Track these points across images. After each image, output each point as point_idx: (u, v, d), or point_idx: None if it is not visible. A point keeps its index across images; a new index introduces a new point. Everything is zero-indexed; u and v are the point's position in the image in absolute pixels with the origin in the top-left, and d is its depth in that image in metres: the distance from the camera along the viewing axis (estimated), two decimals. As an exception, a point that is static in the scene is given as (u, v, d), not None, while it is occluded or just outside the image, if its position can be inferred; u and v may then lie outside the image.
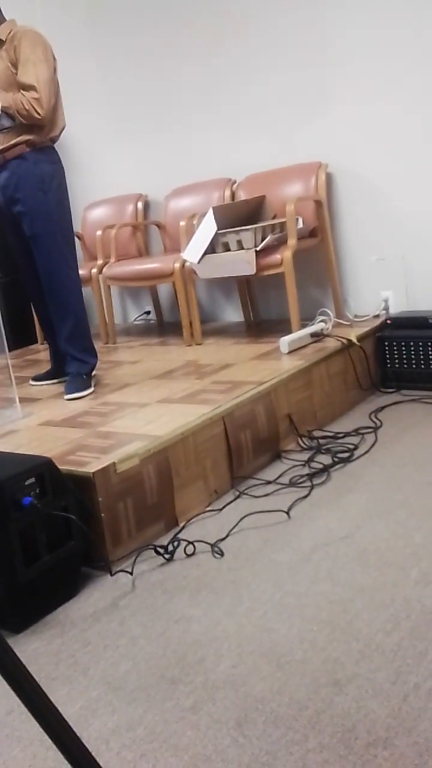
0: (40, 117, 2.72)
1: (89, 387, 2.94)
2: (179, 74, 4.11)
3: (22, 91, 2.71)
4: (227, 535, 2.10)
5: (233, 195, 3.96)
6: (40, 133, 2.82)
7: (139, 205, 4.41)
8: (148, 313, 4.64)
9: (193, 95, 4.09)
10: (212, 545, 2.04)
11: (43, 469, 1.86)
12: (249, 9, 3.75)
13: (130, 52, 4.27)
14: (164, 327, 4.39)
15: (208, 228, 3.41)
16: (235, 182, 4.00)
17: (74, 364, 2.97)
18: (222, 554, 1.99)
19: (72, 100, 4.55)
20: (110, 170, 4.60)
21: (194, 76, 4.05)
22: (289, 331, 3.28)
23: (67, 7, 4.44)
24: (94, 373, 3.06)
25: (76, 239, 4.58)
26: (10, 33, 2.77)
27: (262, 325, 3.96)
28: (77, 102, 4.55)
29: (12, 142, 2.79)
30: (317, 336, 3.23)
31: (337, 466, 2.49)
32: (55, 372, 3.22)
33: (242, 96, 3.90)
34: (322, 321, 3.35)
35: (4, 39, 2.77)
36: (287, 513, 2.18)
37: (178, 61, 4.09)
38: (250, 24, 3.77)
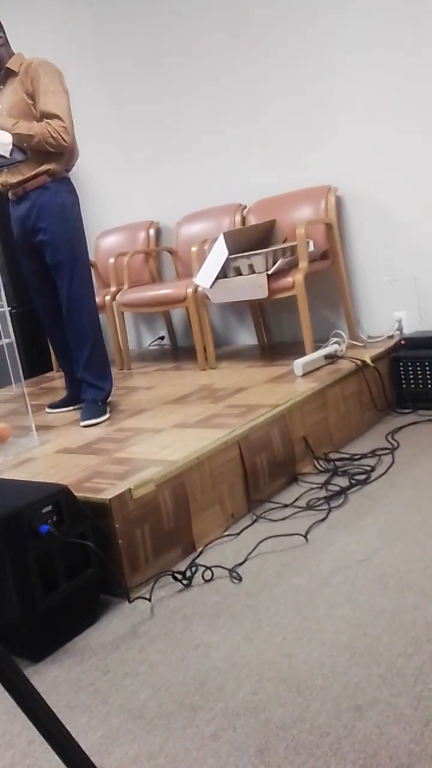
0: (66, 144, 2.79)
1: (105, 413, 2.96)
2: (188, 102, 4.18)
3: (46, 120, 2.77)
4: (245, 560, 2.09)
5: (244, 220, 4.00)
6: (59, 162, 2.89)
7: (151, 232, 4.46)
8: (162, 338, 4.67)
9: (201, 123, 4.15)
10: (230, 570, 2.03)
11: (59, 496, 1.87)
12: (255, 36, 3.81)
13: (139, 81, 4.35)
14: (178, 352, 4.41)
15: (219, 253, 3.44)
16: (245, 207, 4.04)
17: (90, 390, 2.99)
18: (240, 579, 1.99)
19: (83, 130, 4.64)
20: (121, 198, 4.66)
21: (202, 103, 4.12)
22: (302, 354, 3.28)
23: (76, 37, 4.54)
24: (109, 399, 3.08)
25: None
26: (21, 65, 2.84)
27: (275, 348, 3.97)
28: (88, 131, 4.63)
29: (33, 172, 2.85)
30: (331, 358, 3.23)
31: (355, 489, 2.48)
32: (71, 399, 3.25)
33: (250, 122, 3.96)
34: (335, 343, 3.35)
35: (16, 71, 2.84)
36: (305, 536, 2.17)
37: (186, 89, 4.16)
38: (256, 50, 3.83)
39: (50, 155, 2.83)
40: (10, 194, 2.96)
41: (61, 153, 2.86)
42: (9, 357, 2.82)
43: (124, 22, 4.30)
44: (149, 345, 4.76)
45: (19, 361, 2.95)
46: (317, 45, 3.62)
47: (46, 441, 2.79)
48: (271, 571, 2.01)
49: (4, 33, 2.88)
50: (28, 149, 2.74)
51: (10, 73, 2.86)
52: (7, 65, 2.85)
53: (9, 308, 2.96)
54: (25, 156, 2.68)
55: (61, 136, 2.78)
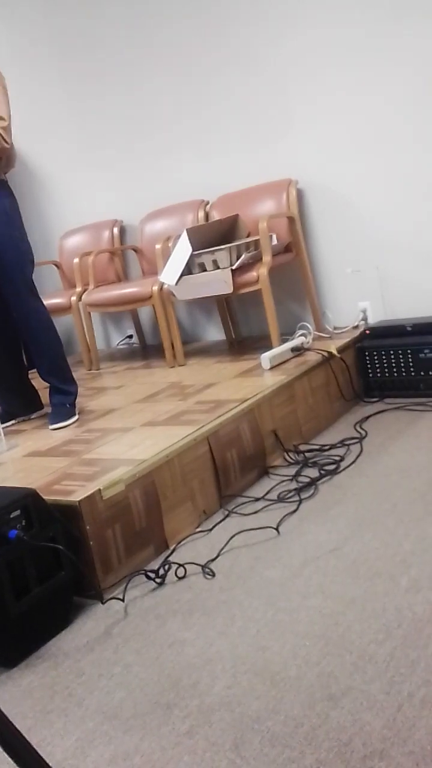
0: (8, 146, 2.73)
1: (74, 416, 2.94)
2: (147, 98, 4.16)
3: None
4: (218, 555, 2.10)
5: (207, 216, 4.00)
6: None
7: (115, 230, 4.44)
8: (130, 337, 4.66)
9: (161, 118, 4.14)
10: (203, 566, 2.04)
11: (27, 500, 1.85)
12: (211, 29, 3.81)
13: (96, 78, 4.32)
14: (147, 350, 4.40)
15: (183, 250, 3.44)
16: (208, 203, 4.03)
17: (57, 395, 2.96)
18: (213, 575, 1.99)
19: (42, 130, 4.61)
20: (84, 198, 4.63)
21: (161, 99, 4.10)
22: (269, 347, 3.30)
23: (31, 34, 4.49)
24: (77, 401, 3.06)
25: (54, 267, 4.62)
26: None
27: (243, 342, 3.98)
28: (48, 131, 4.60)
29: None
30: (298, 350, 3.25)
31: (325, 479, 2.50)
32: (7, 414, 3.12)
33: (210, 117, 3.95)
34: (302, 335, 3.37)
35: None
36: (276, 529, 2.18)
37: (145, 85, 4.14)
38: (211, 45, 3.82)
39: None
40: None
41: (0, 156, 2.79)
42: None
43: (80, 17, 4.27)
44: (118, 344, 4.74)
45: None
46: (272, 36, 3.63)
47: (14, 445, 2.77)
48: (243, 565, 2.01)
49: None
50: None
51: None
52: None
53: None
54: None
55: (2, 137, 2.71)
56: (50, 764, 0.94)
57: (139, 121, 4.23)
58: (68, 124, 4.54)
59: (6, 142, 2.71)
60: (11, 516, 1.80)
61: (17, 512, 1.82)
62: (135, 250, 4.32)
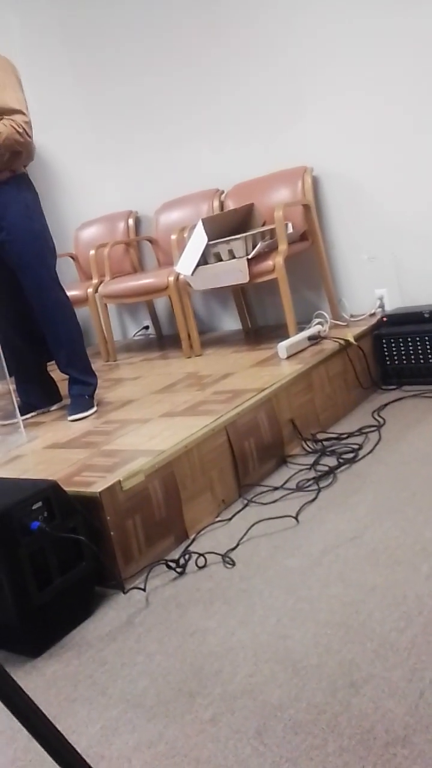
0: (30, 140, 2.74)
1: (92, 407, 2.96)
2: (160, 88, 4.15)
3: (6, 116, 2.70)
4: (237, 545, 2.11)
5: (222, 205, 3.99)
6: (19, 158, 2.82)
7: (130, 221, 4.44)
8: (146, 328, 4.67)
9: (174, 110, 4.12)
10: (223, 556, 2.05)
11: (49, 492, 1.87)
12: (222, 20, 3.78)
13: (109, 69, 4.31)
14: (164, 340, 4.41)
15: (199, 240, 3.43)
16: (222, 192, 4.02)
17: (76, 386, 2.98)
18: (233, 564, 2.00)
19: (56, 121, 4.61)
20: (99, 189, 4.64)
21: (174, 88, 4.09)
22: (286, 336, 3.29)
23: (43, 25, 4.49)
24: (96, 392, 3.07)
25: (70, 259, 4.63)
26: None
27: (260, 331, 3.97)
28: (61, 123, 4.60)
29: None
30: (315, 339, 3.24)
31: (343, 468, 2.50)
32: (27, 406, 3.13)
33: (223, 106, 3.93)
34: (318, 323, 3.36)
35: None
36: (296, 518, 2.19)
37: (157, 75, 4.13)
38: (223, 34, 3.80)
39: (10, 153, 2.76)
40: None
41: (20, 151, 2.79)
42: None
43: (92, 7, 4.26)
44: (134, 335, 4.76)
45: (3, 358, 2.92)
46: (282, 24, 3.60)
47: (34, 437, 2.79)
48: (263, 554, 2.02)
49: None
50: None
51: None
52: None
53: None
54: (-2, 151, 2.62)
55: (26, 131, 2.72)
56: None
57: (152, 111, 4.22)
58: (82, 116, 4.54)
59: (28, 136, 2.72)
60: (33, 508, 1.82)
61: (39, 504, 1.84)
62: (150, 240, 4.32)
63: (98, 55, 4.32)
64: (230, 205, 3.90)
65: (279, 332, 3.63)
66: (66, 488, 1.95)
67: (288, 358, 3.09)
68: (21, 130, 2.69)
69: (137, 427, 2.58)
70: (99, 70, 4.35)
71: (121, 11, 4.13)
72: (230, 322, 4.29)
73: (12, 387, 3.05)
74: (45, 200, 3.13)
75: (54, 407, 3.17)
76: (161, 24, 4.01)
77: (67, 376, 3.03)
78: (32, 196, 2.90)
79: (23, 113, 2.72)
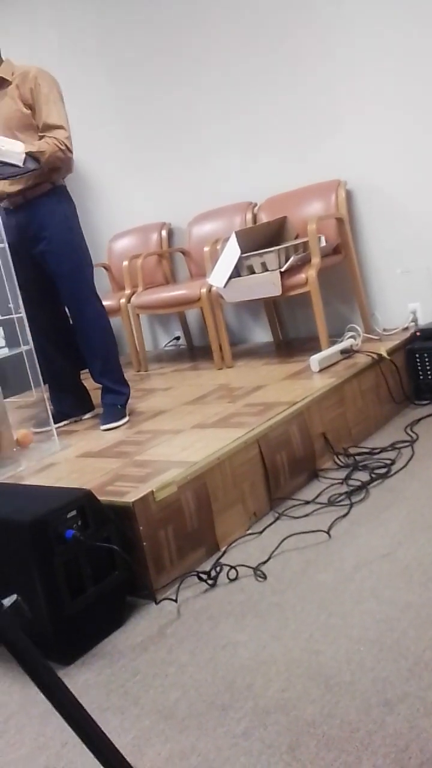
0: (72, 155, 2.79)
1: (124, 416, 2.98)
2: (194, 101, 4.18)
3: (49, 132, 2.75)
4: (269, 558, 2.10)
5: (255, 218, 4.01)
6: (59, 171, 2.87)
7: (163, 233, 4.48)
8: (177, 338, 4.69)
9: (208, 121, 4.16)
10: (254, 569, 2.04)
11: (83, 501, 1.89)
12: (259, 31, 3.81)
13: (145, 81, 4.36)
14: (195, 351, 4.43)
15: (232, 252, 3.45)
16: (256, 205, 4.04)
17: (109, 395, 3.01)
18: (265, 577, 2.00)
19: (92, 134, 4.67)
20: (133, 201, 4.68)
21: (208, 102, 4.12)
22: (318, 349, 3.29)
23: (81, 38, 4.56)
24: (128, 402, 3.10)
25: (103, 270, 4.68)
26: (13, 74, 2.80)
27: (291, 344, 3.97)
28: (96, 135, 4.66)
29: (36, 182, 2.84)
30: (347, 352, 3.23)
31: (375, 483, 2.49)
32: (60, 414, 3.14)
33: (257, 118, 3.95)
34: (351, 337, 3.35)
35: (9, 79, 2.80)
36: (328, 533, 2.18)
37: (192, 88, 4.17)
38: (261, 46, 3.83)
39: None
40: (5, 203, 2.88)
41: (62, 165, 2.84)
42: (28, 363, 2.84)
43: (129, 22, 4.32)
44: (165, 346, 4.78)
45: (37, 365, 2.94)
46: (317, 37, 3.61)
47: (67, 446, 2.82)
48: (295, 569, 2.02)
49: None
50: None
51: (2, 82, 2.81)
52: None
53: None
54: (39, 165, 2.67)
55: (67, 146, 2.78)
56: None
57: (186, 124, 4.26)
58: (117, 128, 4.60)
59: (69, 151, 2.77)
60: (68, 516, 1.84)
61: (73, 512, 1.86)
62: (183, 252, 4.35)
63: (134, 67, 4.38)
64: (263, 217, 3.92)
65: (310, 345, 3.63)
66: (99, 497, 1.97)
67: (320, 371, 3.09)
68: (63, 147, 2.74)
69: (169, 438, 2.59)
70: (135, 82, 4.41)
71: (157, 25, 4.18)
72: (261, 334, 4.30)
73: (46, 395, 3.08)
74: (79, 211, 3.17)
75: (87, 416, 3.20)
76: (197, 37, 4.05)
77: (99, 386, 3.06)
78: (71, 208, 2.95)
79: (64, 128, 2.77)
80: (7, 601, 0.88)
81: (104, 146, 4.66)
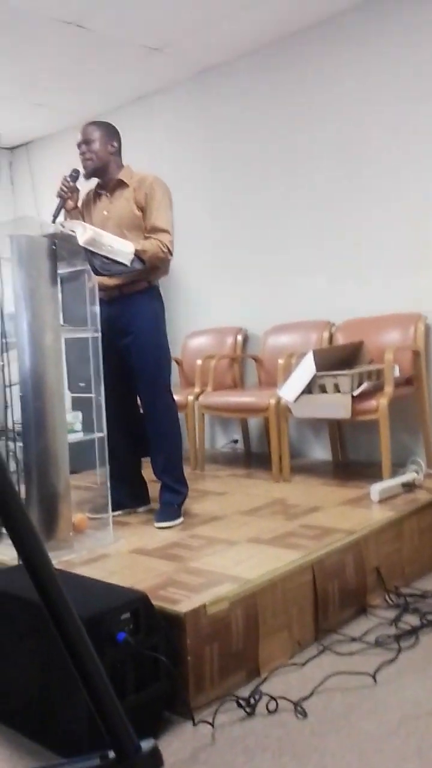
0: (171, 257, 2.95)
1: (179, 516, 2.99)
2: (285, 218, 4.37)
3: (154, 234, 2.93)
4: (311, 694, 2.04)
5: (331, 337, 4.09)
6: (156, 273, 3.03)
7: (239, 337, 4.60)
8: (235, 441, 4.73)
9: (297, 239, 4.32)
10: (296, 704, 1.98)
11: (138, 604, 1.89)
12: (352, 157, 4.00)
13: (241, 194, 4.59)
14: (251, 457, 4.45)
15: (307, 369, 3.52)
16: (333, 325, 4.14)
17: (168, 493, 3.04)
18: (305, 715, 1.94)
19: (184, 237, 4.89)
20: (214, 302, 4.84)
21: (300, 220, 4.30)
22: (378, 476, 3.28)
23: (189, 152, 4.85)
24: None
25: (175, 364, 4.80)
26: (132, 178, 3.02)
27: (350, 466, 3.96)
28: (189, 237, 4.87)
29: (134, 278, 2.98)
30: (408, 486, 3.21)
31: (426, 629, 2.42)
32: (118, 504, 3.09)
33: (348, 242, 4.10)
34: (414, 471, 3.34)
35: (128, 183, 3.01)
36: (374, 677, 2.12)
37: (285, 207, 4.37)
38: (353, 171, 4.01)
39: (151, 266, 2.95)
40: (102, 294, 2.98)
41: (160, 266, 3.00)
42: (98, 449, 2.90)
43: (232, 141, 4.59)
44: (222, 447, 4.82)
45: (106, 446, 2.96)
46: (416, 165, 3.76)
47: (119, 538, 2.83)
48: (337, 711, 1.96)
49: (119, 142, 3.06)
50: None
51: (121, 184, 3.03)
52: (120, 177, 3.02)
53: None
54: (144, 265, 2.83)
55: (168, 249, 2.94)
56: None
57: (277, 238, 4.44)
58: (210, 233, 4.81)
59: (170, 254, 2.93)
60: (121, 618, 1.84)
61: (127, 614, 1.86)
62: (255, 359, 4.45)
63: (233, 181, 4.62)
64: (340, 338, 4.00)
65: (370, 471, 3.61)
66: (151, 601, 1.96)
67: (380, 501, 3.07)
68: (165, 249, 2.91)
69: (224, 548, 2.59)
70: (232, 194, 4.64)
71: (255, 148, 4.44)
72: (320, 451, 4.31)
73: (108, 483, 3.11)
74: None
75: (141, 509, 3.23)
76: (294, 161, 4.28)
77: (157, 479, 3.09)
78: (160, 307, 3.09)
79: (169, 233, 2.95)
80: (146, 746, 0.91)
81: (195, 248, 4.86)
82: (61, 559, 2.54)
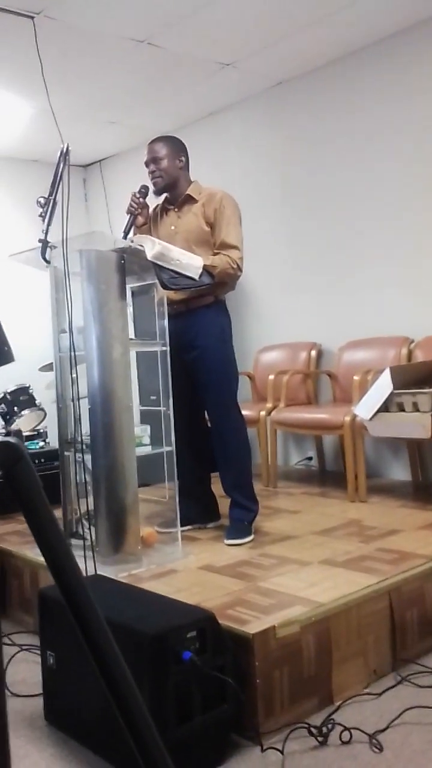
0: (240, 273, 2.91)
1: (250, 534, 2.92)
2: (361, 233, 4.27)
3: (224, 250, 2.90)
4: (387, 727, 1.93)
5: (410, 354, 3.95)
6: (223, 288, 2.99)
7: (313, 353, 4.50)
8: (310, 458, 4.62)
9: (377, 254, 4.21)
10: (371, 736, 1.88)
11: (205, 623, 1.83)
12: (428, 169, 3.88)
13: (316, 208, 4.51)
14: (326, 476, 4.34)
15: (383, 387, 3.40)
16: (412, 341, 4.00)
17: (238, 510, 2.97)
18: (381, 749, 1.83)
19: (256, 251, 4.86)
20: (287, 317, 4.77)
21: (377, 235, 4.19)
22: (460, 501, 3.12)
23: (259, 168, 4.83)
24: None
25: (247, 378, 4.75)
26: (201, 193, 2.99)
27: (430, 488, 3.80)
28: (260, 253, 4.84)
29: (201, 293, 2.94)
30: None
31: None
32: (185, 520, 3.00)
33: (425, 256, 3.97)
34: None
35: (196, 198, 2.99)
36: (455, 713, 1.98)
37: (360, 219, 4.26)
38: (429, 183, 3.89)
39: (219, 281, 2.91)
40: (169, 309, 2.95)
41: (228, 281, 2.96)
42: (167, 463, 2.88)
43: (303, 155, 4.53)
44: (296, 464, 4.72)
45: (175, 458, 2.93)
46: None
47: (188, 553, 2.78)
48: (415, 747, 1.83)
49: (186, 157, 3.03)
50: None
51: (189, 200, 3.00)
52: (188, 192, 3.00)
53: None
54: (213, 280, 2.80)
55: (238, 265, 2.90)
56: None
57: (353, 253, 4.34)
58: (280, 248, 4.75)
59: (239, 270, 2.89)
60: (187, 636, 1.78)
61: (193, 633, 1.80)
62: (330, 375, 4.35)
63: (309, 200, 4.55)
64: (419, 355, 3.86)
65: (451, 494, 3.46)
66: (219, 620, 1.90)
67: (461, 526, 2.92)
68: (235, 266, 2.87)
69: (296, 569, 2.50)
70: (308, 211, 4.57)
71: (329, 163, 4.36)
72: (399, 471, 4.15)
73: (177, 498, 3.08)
74: (233, 318, 3.28)
75: (211, 525, 3.17)
76: (370, 173, 4.18)
77: (227, 495, 3.03)
78: (227, 322, 3.05)
79: (239, 249, 2.91)
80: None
81: (267, 262, 4.81)
82: (128, 572, 2.51)
